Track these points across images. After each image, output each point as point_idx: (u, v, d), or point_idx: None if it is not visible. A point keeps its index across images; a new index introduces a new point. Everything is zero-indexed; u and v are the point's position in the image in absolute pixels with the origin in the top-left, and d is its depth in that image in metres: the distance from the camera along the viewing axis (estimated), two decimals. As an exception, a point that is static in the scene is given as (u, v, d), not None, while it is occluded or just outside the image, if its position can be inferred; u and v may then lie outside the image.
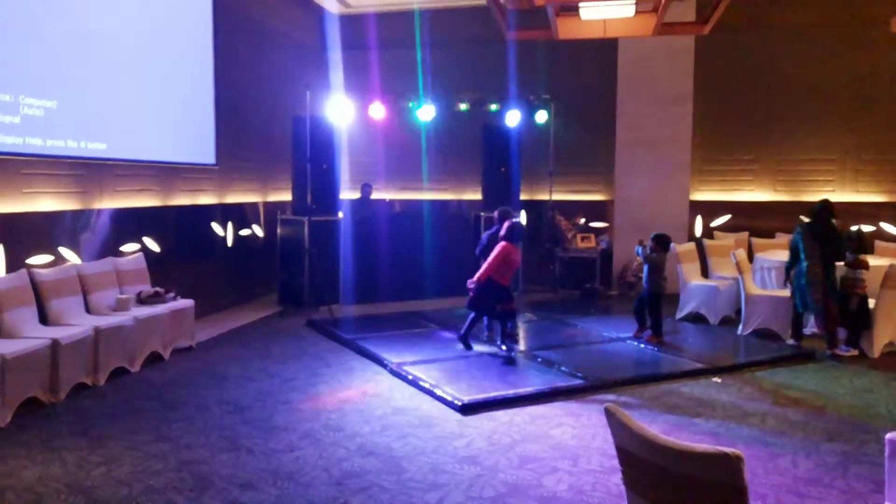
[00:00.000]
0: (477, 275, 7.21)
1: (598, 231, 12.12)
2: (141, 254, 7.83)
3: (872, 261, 7.81)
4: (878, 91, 11.14)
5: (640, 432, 2.36)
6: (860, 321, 7.47)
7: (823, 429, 5.32)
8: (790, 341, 7.83)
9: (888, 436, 3.71)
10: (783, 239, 10.41)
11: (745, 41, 11.46)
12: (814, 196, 11.43)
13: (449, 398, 5.81)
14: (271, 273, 10.63)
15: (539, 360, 7.15)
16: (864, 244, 7.78)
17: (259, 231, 10.72)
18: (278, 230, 10.48)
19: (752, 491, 2.23)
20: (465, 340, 7.53)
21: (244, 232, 10.27)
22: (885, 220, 11.07)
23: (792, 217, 11.03)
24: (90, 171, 7.43)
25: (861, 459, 4.71)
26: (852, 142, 11.35)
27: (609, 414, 2.48)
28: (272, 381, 6.47)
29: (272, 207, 11.08)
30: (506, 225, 7.36)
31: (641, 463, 2.41)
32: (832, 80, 11.34)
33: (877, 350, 7.43)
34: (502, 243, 7.24)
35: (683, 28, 9.18)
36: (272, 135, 11.06)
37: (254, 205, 10.79)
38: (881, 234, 10.79)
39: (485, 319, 7.89)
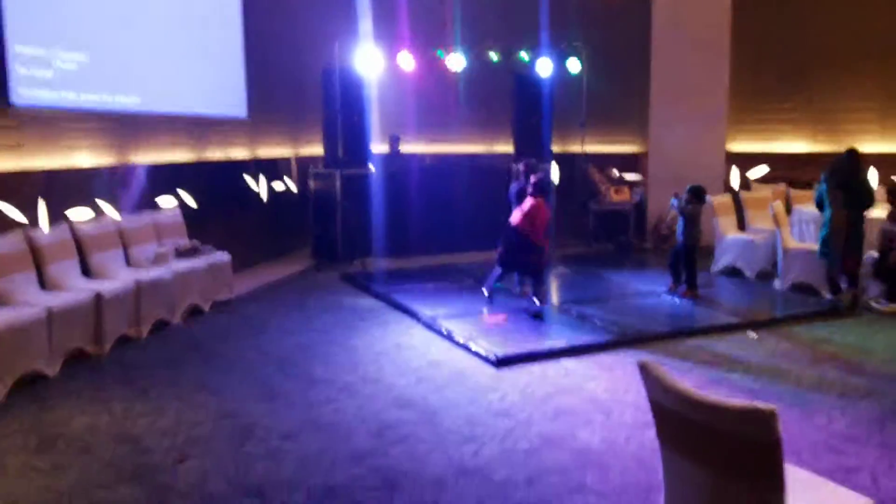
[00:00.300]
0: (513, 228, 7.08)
1: (631, 183, 11.95)
2: (178, 208, 7.93)
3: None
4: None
5: (674, 387, 2.37)
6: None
7: (860, 385, 5.28)
8: (828, 296, 7.73)
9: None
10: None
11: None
12: (856, 145, 11.12)
13: (483, 352, 5.86)
14: (304, 227, 10.70)
15: (573, 313, 7.15)
16: None
17: (292, 185, 10.77)
18: (310, 184, 10.51)
19: (787, 448, 2.23)
20: (489, 291, 7.44)
21: (277, 186, 10.33)
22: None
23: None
24: (124, 125, 7.49)
25: (898, 415, 4.69)
26: (894, 90, 10.96)
27: (643, 368, 2.49)
28: (309, 334, 6.58)
29: (304, 161, 11.10)
30: (532, 179, 7.16)
31: (675, 418, 2.42)
32: (872, 27, 10.89)
33: (917, 305, 7.31)
34: (531, 199, 7.05)
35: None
36: (302, 87, 11.01)
37: (286, 159, 10.81)
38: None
39: (516, 274, 7.86)
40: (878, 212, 7.86)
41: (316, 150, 11.26)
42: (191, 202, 8.20)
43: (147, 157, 7.80)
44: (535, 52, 11.09)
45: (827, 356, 5.98)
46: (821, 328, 6.80)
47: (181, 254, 7.40)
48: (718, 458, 2.33)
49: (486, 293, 7.48)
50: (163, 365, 5.73)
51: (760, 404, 2.15)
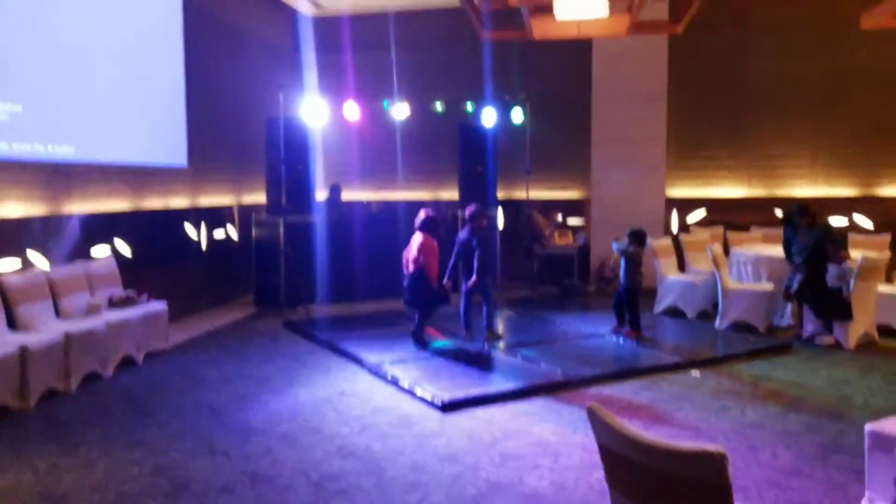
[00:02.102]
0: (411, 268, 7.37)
1: (575, 228, 12.13)
2: (112, 257, 7.68)
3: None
4: (849, 87, 11.26)
5: (622, 431, 2.33)
6: (839, 312, 7.53)
7: (801, 421, 5.34)
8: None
9: (868, 427, 3.73)
10: (758, 233, 10.51)
11: (717, 39, 11.52)
12: (788, 190, 11.58)
13: (429, 397, 5.76)
14: (247, 275, 10.51)
15: (518, 356, 7.12)
16: (842, 241, 7.91)
17: (234, 233, 10.59)
18: (253, 231, 10.35)
19: (734, 485, 2.22)
20: (418, 338, 7.52)
21: (218, 234, 10.14)
22: (858, 213, 11.21)
23: (766, 211, 11.15)
24: (59, 175, 7.28)
25: (840, 450, 4.74)
26: (824, 137, 11.47)
27: (592, 413, 2.44)
28: (248, 383, 6.37)
29: (246, 209, 10.96)
30: (422, 216, 7.45)
31: (625, 462, 2.38)
32: (804, 77, 11.44)
33: (852, 341, 7.50)
34: (420, 235, 7.36)
35: (657, 27, 9.23)
36: (246, 136, 10.93)
37: (228, 207, 10.65)
38: (854, 227, 10.91)
39: (462, 317, 7.86)
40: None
41: (259, 198, 11.14)
42: (126, 251, 7.96)
43: (82, 206, 7.57)
44: (479, 102, 11.26)
45: (769, 392, 6.06)
46: (761, 366, 6.91)
47: (115, 304, 7.14)
48: (668, 501, 2.28)
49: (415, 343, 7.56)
50: (93, 419, 5.45)
51: (710, 447, 2.12)
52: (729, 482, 2.09)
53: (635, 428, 2.32)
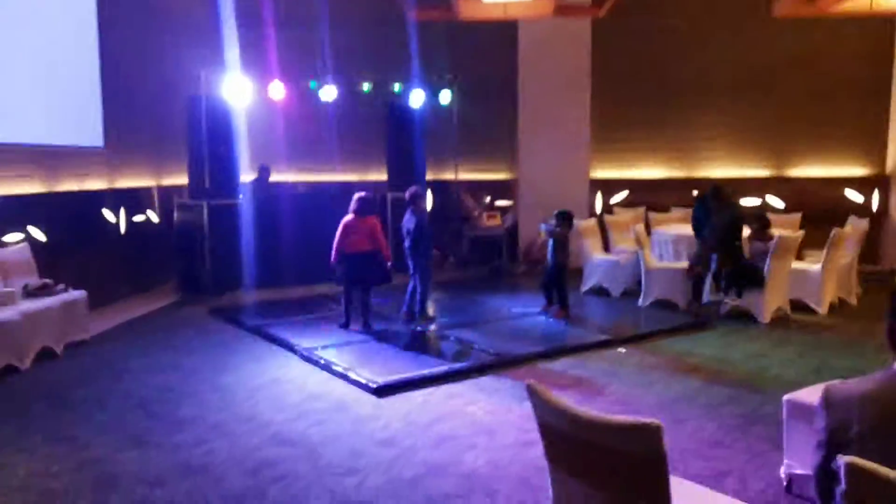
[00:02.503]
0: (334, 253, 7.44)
1: (503, 209, 12.26)
2: (26, 244, 7.31)
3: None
4: (762, 73, 11.73)
5: (562, 407, 2.39)
6: (754, 281, 7.89)
7: (722, 393, 5.59)
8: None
9: (785, 397, 3.94)
10: (679, 213, 10.86)
11: (638, 25, 11.75)
12: (705, 172, 12.00)
13: (363, 381, 5.75)
14: (169, 260, 10.18)
15: (451, 338, 7.18)
16: (768, 222, 8.24)
17: (154, 216, 10.23)
18: (175, 215, 10.03)
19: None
20: (346, 319, 7.63)
21: (138, 217, 9.77)
22: (770, 194, 11.74)
23: (685, 192, 11.53)
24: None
25: (758, 420, 4.99)
26: (739, 120, 11.94)
27: (531, 390, 2.49)
28: (176, 374, 6.19)
29: (167, 192, 10.59)
30: (357, 198, 7.48)
31: (563, 437, 2.44)
32: (720, 63, 11.86)
33: (767, 315, 7.87)
34: (372, 218, 7.49)
35: (579, 10, 9.38)
36: (165, 116, 10.52)
37: (147, 189, 10.26)
38: (766, 208, 11.41)
39: (406, 298, 7.89)
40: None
41: (181, 180, 10.77)
42: (40, 237, 7.59)
43: (-11, 189, 7.17)
44: (407, 84, 11.20)
45: (690, 367, 6.31)
46: (682, 341, 7.19)
47: (30, 293, 6.81)
48: (606, 474, 2.36)
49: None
50: (10, 415, 5.19)
51: (646, 419, 2.20)
52: (664, 453, 2.18)
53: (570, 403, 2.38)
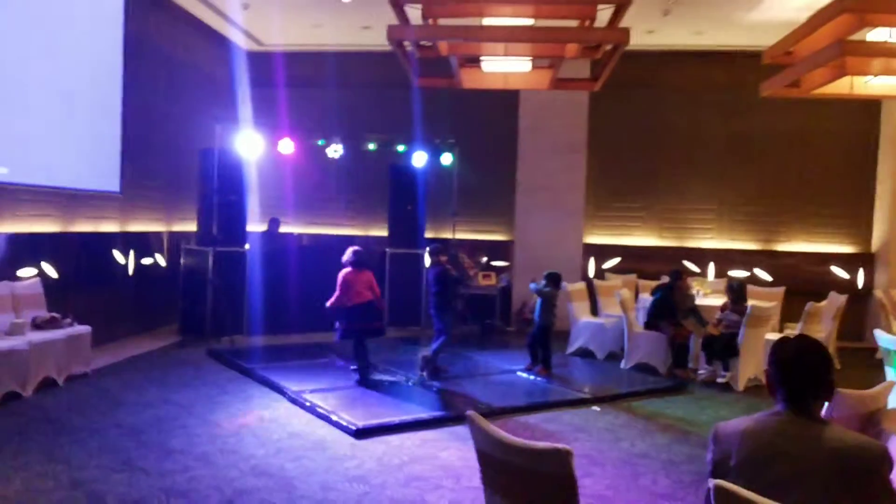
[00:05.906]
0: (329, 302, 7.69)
1: (498, 269, 12.66)
2: (38, 279, 7.75)
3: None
4: (751, 148, 12.27)
5: (492, 434, 2.75)
6: (729, 351, 8.21)
7: (685, 451, 5.86)
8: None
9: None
10: (666, 281, 11.19)
11: (633, 98, 12.37)
12: (696, 242, 12.41)
13: (344, 423, 6.06)
14: (173, 303, 10.59)
15: (434, 389, 7.50)
16: (744, 293, 8.60)
17: (162, 260, 10.69)
18: (181, 259, 10.49)
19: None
20: (362, 376, 7.68)
21: (146, 260, 10.23)
22: (758, 267, 12.10)
23: (676, 261, 11.90)
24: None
25: (712, 476, 5.24)
26: (729, 194, 12.41)
27: (470, 420, 2.85)
28: (169, 408, 6.53)
29: (176, 237, 11.08)
30: (352, 252, 7.78)
31: (495, 462, 2.80)
32: (711, 137, 12.42)
33: (741, 384, 8.14)
34: (368, 272, 7.77)
35: (576, 84, 9.94)
36: (180, 166, 11.12)
37: (157, 234, 10.77)
38: (754, 280, 11.75)
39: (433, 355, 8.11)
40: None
41: (189, 226, 11.29)
42: (52, 272, 8.03)
43: (11, 227, 7.64)
44: (410, 144, 11.77)
45: (659, 427, 6.58)
46: (656, 403, 7.46)
47: (38, 325, 7.21)
48: (527, 493, 2.70)
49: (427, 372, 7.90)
50: (9, 436, 5.54)
51: (560, 445, 2.55)
52: (573, 474, 2.52)
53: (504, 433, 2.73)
